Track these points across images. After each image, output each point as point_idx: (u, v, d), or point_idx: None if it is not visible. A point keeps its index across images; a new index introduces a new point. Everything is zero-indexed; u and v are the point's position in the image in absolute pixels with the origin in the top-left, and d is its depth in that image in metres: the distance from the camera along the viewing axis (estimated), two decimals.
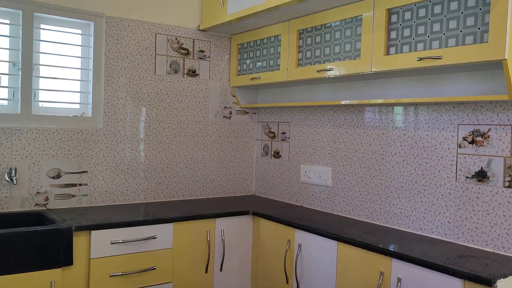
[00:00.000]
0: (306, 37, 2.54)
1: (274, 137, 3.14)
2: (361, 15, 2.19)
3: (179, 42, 2.95)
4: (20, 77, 2.44)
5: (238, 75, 3.11)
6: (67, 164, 2.56)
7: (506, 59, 1.63)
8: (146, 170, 2.84)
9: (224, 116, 3.16)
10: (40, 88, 2.52)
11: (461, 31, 1.79)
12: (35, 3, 2.45)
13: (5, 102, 2.45)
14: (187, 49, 2.98)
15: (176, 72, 2.94)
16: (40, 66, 2.51)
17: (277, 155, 3.11)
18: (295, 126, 2.96)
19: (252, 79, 2.92)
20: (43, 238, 1.97)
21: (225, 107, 3.17)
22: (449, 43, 1.83)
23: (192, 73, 3.01)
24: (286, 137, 3.04)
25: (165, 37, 2.89)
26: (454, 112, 2.07)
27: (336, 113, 2.66)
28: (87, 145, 2.62)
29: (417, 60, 1.91)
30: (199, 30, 3.02)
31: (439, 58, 1.83)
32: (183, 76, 2.97)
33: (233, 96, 3.20)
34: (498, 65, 1.75)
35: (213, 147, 3.11)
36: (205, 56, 3.06)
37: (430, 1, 1.91)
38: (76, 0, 2.57)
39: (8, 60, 2.43)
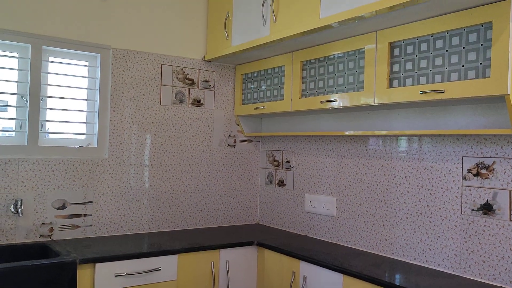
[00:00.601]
0: (309, 68, 2.57)
1: (278, 165, 3.15)
2: (364, 48, 2.22)
3: (184, 72, 2.99)
4: (27, 109, 2.47)
5: (242, 104, 3.14)
6: (72, 194, 2.57)
7: (509, 94, 1.65)
8: (151, 200, 2.84)
9: (228, 145, 3.18)
10: (47, 119, 2.55)
11: (463, 66, 1.82)
12: (44, 37, 2.50)
13: (13, 134, 2.48)
14: (192, 79, 3.02)
15: (181, 102, 2.97)
16: (47, 98, 2.55)
17: (281, 183, 3.11)
18: (299, 155, 2.97)
19: (256, 108, 2.94)
20: (47, 272, 1.97)
21: (230, 136, 3.18)
22: (452, 77, 1.85)
23: (197, 102, 3.04)
24: (290, 166, 3.04)
25: (170, 68, 2.93)
26: (458, 144, 2.07)
27: (340, 143, 2.67)
28: (92, 175, 2.64)
29: (420, 93, 1.93)
30: (204, 60, 3.07)
31: (441, 92, 1.85)
32: (188, 106, 3.00)
33: (238, 125, 3.22)
34: (501, 99, 1.76)
35: (217, 175, 3.11)
36: (210, 85, 3.10)
37: (431, 36, 1.94)
38: (84, 33, 2.63)
39: (16, 92, 2.47)
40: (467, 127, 2.01)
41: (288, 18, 2.37)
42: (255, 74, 3.02)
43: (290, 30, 2.33)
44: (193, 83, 3.02)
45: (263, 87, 2.93)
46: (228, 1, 2.86)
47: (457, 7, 1.78)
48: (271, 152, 3.21)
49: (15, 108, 2.48)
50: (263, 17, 2.53)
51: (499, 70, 1.67)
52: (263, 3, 2.53)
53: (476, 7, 1.75)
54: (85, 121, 2.69)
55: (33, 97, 2.48)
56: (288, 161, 3.06)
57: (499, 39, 1.67)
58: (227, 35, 2.85)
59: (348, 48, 2.31)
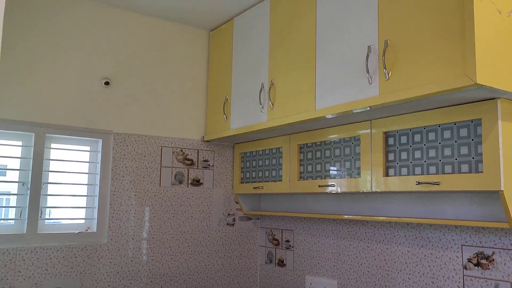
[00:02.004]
0: (306, 152, 2.62)
1: (278, 244, 3.12)
2: (359, 135, 2.28)
3: (184, 153, 3.04)
4: (28, 196, 2.49)
5: (241, 183, 3.17)
6: (69, 282, 2.54)
7: (503, 190, 1.68)
8: (149, 284, 2.79)
9: (227, 224, 3.17)
10: (47, 206, 2.56)
11: (456, 159, 1.86)
12: (48, 125, 2.57)
13: (12, 222, 2.48)
14: (191, 160, 3.07)
15: (180, 182, 3.00)
16: (48, 184, 2.58)
17: (281, 263, 3.07)
18: (299, 235, 2.96)
19: (255, 188, 2.97)
20: None
21: (229, 214, 3.19)
22: (446, 169, 1.89)
23: (196, 182, 3.07)
24: (290, 246, 3.02)
25: (170, 150, 2.99)
26: (457, 232, 2.08)
27: (340, 225, 2.67)
28: (90, 261, 2.61)
29: (416, 184, 1.96)
30: (203, 141, 3.13)
31: (437, 183, 1.88)
32: (187, 186, 3.03)
33: (236, 203, 3.23)
34: (496, 192, 1.79)
35: (216, 255, 3.08)
36: (209, 165, 3.14)
37: (424, 128, 2.00)
38: (86, 119, 2.70)
39: (18, 180, 2.50)
40: (465, 217, 2.02)
41: (285, 106, 2.46)
42: (254, 154, 3.07)
43: (287, 118, 2.40)
44: (192, 163, 3.07)
45: (262, 167, 2.98)
46: (227, 85, 2.97)
47: (447, 103, 1.85)
48: (271, 231, 3.20)
49: (16, 196, 2.50)
50: (261, 104, 2.62)
51: (491, 166, 1.71)
52: (261, 90, 2.63)
53: (466, 104, 1.82)
54: (85, 205, 2.70)
55: (34, 184, 2.51)
56: (288, 240, 3.05)
57: (489, 136, 1.73)
58: (226, 118, 2.93)
59: (343, 135, 2.37)
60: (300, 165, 2.66)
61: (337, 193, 2.65)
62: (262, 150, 2.98)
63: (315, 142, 2.56)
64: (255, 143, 3.03)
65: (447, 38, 1.67)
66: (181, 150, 3.03)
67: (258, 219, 3.31)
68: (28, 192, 2.50)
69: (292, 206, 3.01)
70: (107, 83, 2.77)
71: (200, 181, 3.09)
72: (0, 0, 0.92)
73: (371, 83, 1.94)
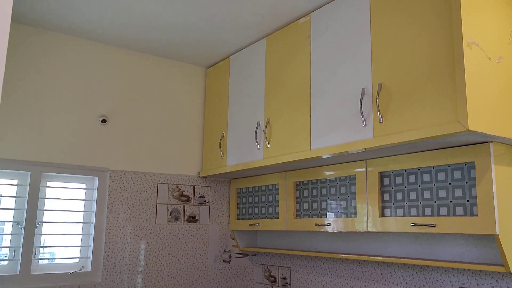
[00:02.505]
0: (303, 189, 2.62)
1: (275, 281, 3.09)
2: (355, 174, 2.29)
3: (180, 189, 3.04)
4: (22, 236, 2.47)
5: (237, 219, 3.15)
6: None
7: (498, 235, 1.68)
8: None
9: (223, 260, 3.14)
10: (41, 245, 2.54)
11: (451, 201, 1.87)
12: (44, 163, 2.57)
13: (5, 262, 2.45)
14: (187, 196, 3.06)
15: (176, 219, 2.99)
16: (43, 223, 2.56)
17: None
18: (296, 272, 2.93)
19: (251, 225, 2.95)
20: None
21: (225, 251, 3.16)
22: (441, 211, 1.90)
23: (192, 219, 3.06)
24: (287, 283, 2.99)
25: (166, 186, 2.98)
26: (454, 273, 2.07)
27: (337, 263, 2.65)
28: None
29: (412, 225, 1.96)
30: (200, 176, 3.13)
31: (432, 226, 1.88)
32: (183, 223, 3.01)
33: (233, 239, 3.21)
34: (492, 235, 1.79)
35: None
36: (205, 201, 3.13)
37: (419, 169, 2.02)
38: (83, 157, 2.71)
39: (12, 220, 2.49)
40: (461, 258, 2.02)
41: (281, 144, 2.47)
42: (250, 190, 3.07)
43: (282, 157, 2.41)
44: (188, 200, 3.06)
45: (258, 203, 2.97)
46: (223, 122, 2.99)
47: (441, 146, 1.87)
48: (268, 267, 3.17)
49: (9, 235, 2.48)
50: (257, 141, 2.63)
51: (486, 209, 1.72)
52: (257, 128, 2.65)
53: (459, 146, 1.85)
54: (79, 244, 2.68)
55: (29, 224, 2.49)
56: (284, 278, 3.01)
57: (482, 179, 1.74)
58: (222, 155, 2.94)
59: (339, 174, 2.38)
60: (297, 202, 2.65)
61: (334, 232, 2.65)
62: (259, 186, 2.99)
63: (311, 180, 2.57)
64: (251, 179, 3.04)
65: (439, 83, 1.70)
66: (177, 186, 3.03)
67: (255, 255, 3.28)
68: (22, 231, 2.48)
69: (289, 243, 2.99)
70: (104, 121, 2.79)
71: (196, 218, 3.08)
72: (2, 42, 0.93)
73: (366, 125, 1.97)
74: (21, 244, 2.46)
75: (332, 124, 2.16)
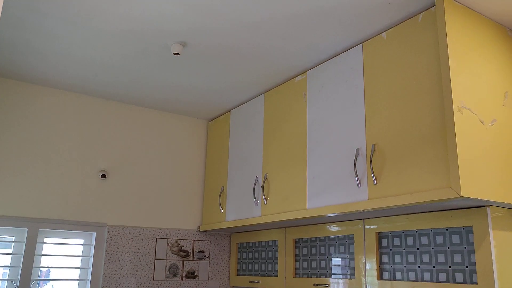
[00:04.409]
0: (302, 247, 2.57)
1: None
2: (353, 234, 2.23)
3: (179, 244, 2.99)
4: None
5: (237, 275, 3.08)
6: None
7: None
8: None
9: None
10: None
11: (450, 267, 1.80)
12: (42, 219, 2.57)
13: None
14: (186, 251, 3.01)
15: (174, 275, 2.93)
16: (38, 281, 2.52)
17: None
18: None
19: (251, 282, 2.88)
20: None
21: None
22: (440, 277, 1.83)
23: (191, 275, 3.00)
24: None
25: (165, 241, 2.95)
26: None
27: None
28: None
29: None
30: (199, 231, 3.09)
31: None
32: (182, 279, 2.95)
33: None
34: None
35: None
36: (205, 256, 3.08)
37: (416, 231, 1.96)
38: (81, 213, 2.70)
39: (7, 278, 2.46)
40: None
41: (278, 202, 2.44)
42: (250, 245, 3.01)
43: (280, 215, 2.38)
44: (187, 255, 3.01)
45: (258, 259, 2.91)
46: (223, 176, 2.98)
47: (438, 208, 1.83)
48: None
49: None
50: (255, 197, 2.61)
51: (485, 278, 1.65)
52: (255, 184, 2.63)
53: (456, 209, 1.80)
54: None
55: (24, 282, 2.46)
56: None
57: (481, 245, 1.68)
58: (222, 209, 2.91)
59: (338, 232, 2.33)
60: (296, 260, 2.59)
61: None
62: (259, 242, 2.93)
63: (310, 238, 2.52)
64: (252, 233, 2.99)
65: (431, 147, 1.68)
66: (176, 241, 2.99)
67: None
68: None
69: None
70: (103, 176, 2.80)
71: (195, 273, 3.01)
72: None
73: (360, 186, 1.94)
74: None
75: (328, 184, 2.13)
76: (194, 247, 3.06)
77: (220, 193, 2.95)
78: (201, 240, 3.09)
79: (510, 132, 1.79)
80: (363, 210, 1.90)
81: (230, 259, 3.17)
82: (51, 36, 2.14)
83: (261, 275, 2.84)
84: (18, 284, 2.45)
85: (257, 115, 2.76)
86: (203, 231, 3.11)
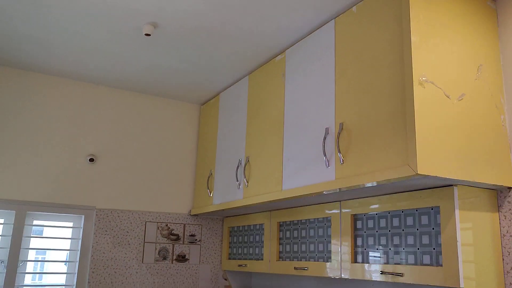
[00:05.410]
0: (285, 230, 2.53)
1: None
2: (330, 216, 2.18)
3: (169, 228, 3.01)
4: (4, 274, 2.50)
5: (229, 258, 3.08)
6: None
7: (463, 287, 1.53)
8: None
9: None
10: (24, 284, 2.56)
11: (418, 249, 1.73)
12: (30, 202, 2.62)
13: None
14: (177, 235, 3.02)
15: (164, 258, 2.95)
16: (27, 262, 2.59)
17: None
18: None
19: (239, 265, 2.87)
20: None
21: None
22: (409, 259, 1.76)
23: (182, 258, 3.01)
24: None
25: (155, 225, 2.96)
26: None
27: None
28: None
29: (380, 273, 1.83)
30: (190, 215, 3.10)
31: (400, 275, 1.75)
32: (172, 262, 2.97)
33: (225, 280, 3.12)
34: None
35: None
36: (196, 240, 3.08)
37: (389, 213, 1.89)
38: (69, 196, 2.74)
39: None
40: None
41: (258, 184, 2.41)
42: (241, 228, 3.00)
43: (258, 197, 2.34)
44: (178, 238, 3.02)
45: (247, 243, 2.89)
46: (212, 159, 2.97)
47: (407, 188, 1.75)
48: None
49: None
50: (237, 180, 2.58)
51: (450, 259, 1.57)
52: (238, 166, 2.60)
53: (425, 189, 1.72)
54: (64, 283, 2.68)
55: (11, 263, 2.52)
56: None
57: (447, 226, 1.61)
58: (210, 192, 2.90)
59: (316, 215, 2.28)
60: (280, 244, 2.56)
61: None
62: (248, 225, 2.91)
63: (293, 221, 2.48)
64: (243, 217, 2.97)
65: (393, 124, 1.61)
66: (166, 225, 3.00)
67: None
68: (5, 270, 2.51)
69: (282, 284, 2.87)
70: (92, 160, 2.83)
71: (186, 257, 3.02)
72: None
73: (328, 166, 1.88)
74: (3, 284, 2.49)
75: (301, 165, 2.08)
76: (185, 230, 3.06)
77: (209, 177, 2.94)
78: (192, 224, 3.09)
79: (481, 107, 1.69)
80: (328, 191, 1.85)
81: (222, 243, 3.17)
82: (24, 21, 2.16)
83: (249, 259, 2.82)
84: (6, 264, 2.52)
85: (242, 97, 2.72)
86: (195, 215, 3.11)
